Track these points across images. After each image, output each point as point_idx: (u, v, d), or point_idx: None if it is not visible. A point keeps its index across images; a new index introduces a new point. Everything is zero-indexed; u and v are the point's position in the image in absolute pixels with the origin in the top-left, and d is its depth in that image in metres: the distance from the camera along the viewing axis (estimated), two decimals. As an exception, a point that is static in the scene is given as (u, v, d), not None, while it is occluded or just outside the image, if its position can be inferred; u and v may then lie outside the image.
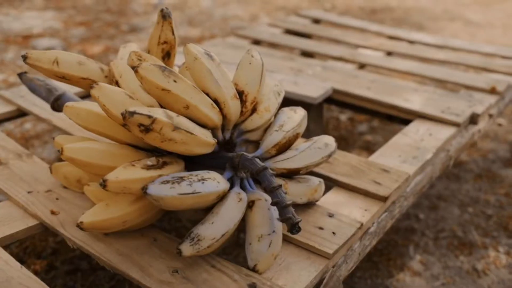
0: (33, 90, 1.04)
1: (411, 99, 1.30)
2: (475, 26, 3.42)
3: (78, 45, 2.52)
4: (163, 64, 0.75)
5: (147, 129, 0.69)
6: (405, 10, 3.71)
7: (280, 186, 0.73)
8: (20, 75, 1.05)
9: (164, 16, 0.86)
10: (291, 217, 0.72)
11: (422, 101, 1.28)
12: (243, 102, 0.82)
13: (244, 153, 0.77)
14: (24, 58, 0.82)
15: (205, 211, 0.81)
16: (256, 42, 1.82)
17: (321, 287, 0.73)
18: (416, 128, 1.17)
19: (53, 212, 0.86)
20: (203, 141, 0.74)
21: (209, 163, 0.81)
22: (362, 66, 1.61)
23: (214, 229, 0.71)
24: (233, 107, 0.79)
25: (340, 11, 3.49)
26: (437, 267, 1.28)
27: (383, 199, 0.90)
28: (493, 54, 1.69)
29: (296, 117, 0.88)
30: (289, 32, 1.95)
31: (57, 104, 1.01)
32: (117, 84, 0.83)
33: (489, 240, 1.38)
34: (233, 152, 0.84)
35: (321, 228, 0.82)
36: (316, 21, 2.10)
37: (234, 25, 3.02)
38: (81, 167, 0.73)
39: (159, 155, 0.76)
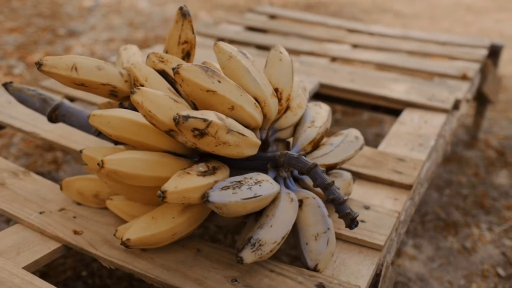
0: (24, 101, 0.95)
1: (395, 89, 1.33)
2: (405, 17, 3.59)
3: (15, 53, 2.34)
4: (204, 65, 0.71)
5: (202, 133, 0.65)
6: (338, 4, 3.82)
7: (333, 182, 0.72)
8: (6, 85, 0.95)
9: (184, 14, 0.82)
10: (349, 212, 0.71)
11: (407, 90, 1.32)
12: (278, 99, 0.79)
13: (289, 152, 0.75)
14: (39, 65, 0.74)
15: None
16: (221, 39, 1.78)
17: (381, 279, 0.73)
18: (410, 117, 1.20)
19: (76, 232, 0.79)
20: (253, 142, 0.71)
21: (246, 165, 0.78)
22: (333, 59, 1.63)
23: (274, 233, 0.69)
24: (273, 106, 0.77)
25: (277, 7, 3.52)
26: (430, 250, 1.33)
27: (408, 187, 0.92)
28: (451, 43, 1.78)
29: (323, 112, 0.87)
30: (250, 29, 1.93)
31: (55, 114, 0.92)
32: (134, 88, 0.77)
33: (470, 219, 1.45)
34: (266, 152, 0.82)
35: (362, 221, 0.82)
36: (272, 17, 2.10)
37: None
38: (123, 179, 0.68)
39: (205, 160, 0.72)
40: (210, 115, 0.66)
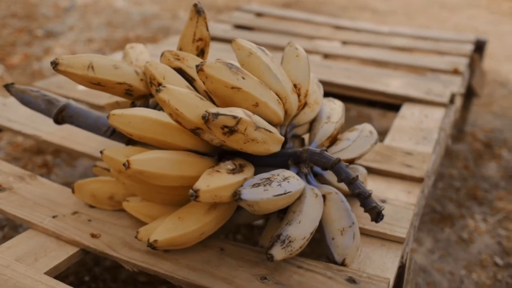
0: (27, 103, 0.92)
1: (392, 84, 1.35)
2: (381, 14, 3.64)
3: (-8, 55, 2.27)
4: (228, 61, 0.70)
5: (231, 131, 0.64)
6: (315, 2, 3.84)
7: (357, 176, 0.72)
8: (7, 86, 0.92)
9: (199, 11, 0.80)
10: (375, 206, 0.71)
11: (403, 86, 1.34)
12: (297, 95, 0.79)
13: (310, 147, 0.75)
14: (55, 64, 0.72)
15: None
16: (211, 39, 1.77)
17: (407, 270, 0.74)
18: (410, 111, 1.22)
19: (93, 235, 0.77)
20: (279, 138, 0.71)
21: (267, 161, 0.77)
22: (326, 56, 1.63)
23: (303, 229, 0.69)
24: (294, 102, 0.76)
25: (255, 5, 3.52)
26: (429, 242, 1.35)
27: (420, 180, 0.93)
28: (438, 39, 1.82)
29: (338, 108, 0.88)
30: (238, 27, 1.92)
31: (62, 116, 0.90)
32: (159, 86, 0.76)
33: (465, 211, 1.48)
34: (284, 148, 0.82)
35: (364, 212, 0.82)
36: (259, 14, 2.10)
37: (156, 24, 2.92)
38: (149, 180, 0.66)
39: (228, 158, 0.72)
40: (239, 112, 0.65)
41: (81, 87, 1.27)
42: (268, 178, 0.67)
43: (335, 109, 0.87)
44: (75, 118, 0.90)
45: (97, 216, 0.82)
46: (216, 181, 0.64)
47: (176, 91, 0.65)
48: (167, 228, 0.68)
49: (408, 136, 1.09)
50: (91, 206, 0.84)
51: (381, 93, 1.30)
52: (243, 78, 0.69)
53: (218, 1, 3.63)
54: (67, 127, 1.07)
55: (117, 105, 0.94)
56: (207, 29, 0.82)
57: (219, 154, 0.76)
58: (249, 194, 0.64)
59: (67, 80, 1.32)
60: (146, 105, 0.85)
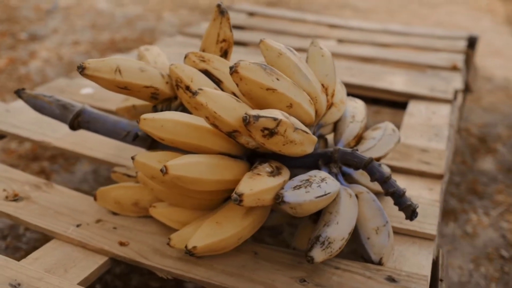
0: (40, 108, 0.89)
1: (395, 81, 1.36)
2: (362, 12, 3.67)
3: (-25, 59, 2.21)
4: (262, 62, 0.69)
5: (271, 133, 0.63)
6: (298, 1, 3.85)
7: (391, 175, 0.72)
8: (18, 92, 0.89)
9: (222, 12, 0.79)
10: (411, 204, 0.72)
11: (406, 83, 1.35)
12: (325, 95, 0.79)
13: (341, 147, 0.75)
14: (82, 68, 0.70)
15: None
16: (207, 39, 1.75)
17: (440, 267, 0.74)
18: (417, 109, 1.23)
19: (122, 243, 0.76)
20: (314, 139, 0.70)
21: (298, 162, 0.77)
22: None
23: (341, 229, 0.68)
24: (323, 102, 0.76)
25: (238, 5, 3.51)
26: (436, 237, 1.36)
27: (440, 176, 0.93)
28: (431, 36, 1.84)
29: (360, 107, 0.87)
30: (233, 27, 1.91)
31: (78, 121, 0.88)
32: (187, 89, 0.74)
33: (467, 205, 1.50)
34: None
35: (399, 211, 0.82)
36: (251, 14, 2.09)
37: (141, 26, 2.88)
38: (186, 185, 0.65)
39: (264, 160, 0.71)
40: (278, 114, 0.64)
41: (84, 91, 1.24)
42: (307, 180, 0.66)
43: (357, 107, 0.87)
44: (92, 124, 0.87)
45: (122, 224, 0.80)
46: (259, 184, 0.63)
47: (214, 94, 0.64)
48: (206, 234, 0.67)
49: (419, 133, 1.10)
50: (115, 213, 0.82)
51: (387, 91, 1.30)
52: (277, 79, 0.68)
53: (201, 2, 3.60)
54: (76, 132, 1.05)
55: (133, 109, 0.92)
56: (231, 30, 0.81)
57: (247, 157, 0.75)
58: (292, 196, 0.63)
59: (68, 84, 1.29)
60: (169, 109, 0.83)
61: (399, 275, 0.69)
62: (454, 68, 1.49)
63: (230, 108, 0.65)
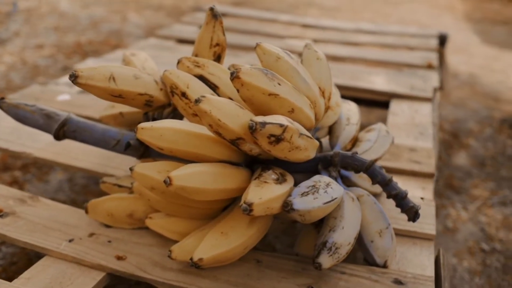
0: (22, 118, 0.85)
1: (375, 81, 1.37)
2: (328, 10, 3.71)
3: None
4: (262, 67, 0.67)
5: (278, 139, 0.62)
6: (264, 0, 3.84)
7: (392, 177, 0.72)
8: (-3, 102, 0.85)
9: (215, 15, 0.77)
10: (413, 206, 0.72)
11: (387, 82, 1.36)
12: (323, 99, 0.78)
13: (341, 151, 0.74)
14: (74, 77, 0.66)
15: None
16: (181, 41, 1.72)
17: (442, 266, 0.75)
18: (400, 108, 1.24)
19: (119, 257, 0.73)
20: (316, 144, 0.69)
21: (298, 168, 0.76)
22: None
23: (347, 234, 0.68)
24: (322, 105, 0.75)
25: (197, 6, 3.47)
26: (417, 233, 1.38)
27: (431, 175, 0.94)
28: (404, 34, 1.86)
29: (354, 109, 0.87)
30: (206, 28, 1.88)
31: (63, 131, 0.84)
32: (184, 95, 0.72)
33: (445, 201, 1.53)
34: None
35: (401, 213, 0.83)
36: (222, 15, 2.07)
37: (106, 28, 2.81)
38: (190, 195, 0.63)
39: (267, 167, 0.69)
40: (283, 120, 0.63)
41: (61, 98, 1.20)
42: (313, 186, 0.65)
43: (351, 110, 0.86)
44: (79, 133, 0.84)
45: (116, 236, 0.77)
46: (267, 193, 0.61)
47: (217, 101, 0.62)
48: (211, 245, 0.65)
49: (405, 132, 1.11)
50: (108, 226, 0.79)
51: (369, 91, 1.31)
52: (279, 84, 0.67)
53: (165, 3, 3.55)
54: (58, 142, 1.00)
55: (120, 117, 0.89)
56: (224, 34, 0.79)
57: (246, 164, 0.73)
58: (300, 204, 0.62)
59: (43, 91, 1.24)
60: (160, 116, 0.81)
61: (405, 277, 0.69)
62: (429, 67, 1.52)
63: (234, 115, 0.63)
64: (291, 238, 1.08)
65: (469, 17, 3.86)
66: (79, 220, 0.80)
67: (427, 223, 0.80)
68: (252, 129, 0.60)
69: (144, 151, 0.81)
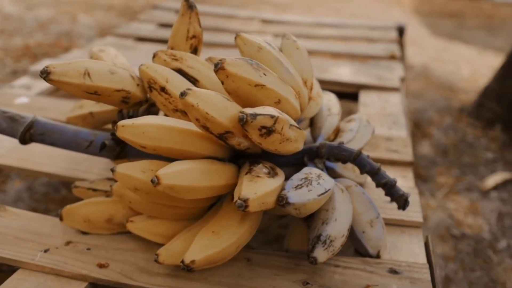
0: (-17, 123, 0.79)
1: (341, 73, 1.36)
2: (282, 7, 3.71)
3: None
4: (248, 58, 0.64)
5: (269, 131, 0.60)
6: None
7: (380, 166, 0.71)
8: (-46, 106, 0.78)
9: (191, 6, 0.74)
10: (403, 194, 0.71)
11: (354, 74, 1.36)
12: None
13: (328, 142, 0.73)
14: (46, 73, 0.61)
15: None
16: (140, 39, 1.67)
17: (432, 253, 0.74)
18: (369, 99, 1.24)
19: (101, 265, 0.68)
20: (305, 135, 0.67)
21: (283, 160, 0.73)
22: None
23: (340, 226, 0.66)
24: (306, 96, 0.73)
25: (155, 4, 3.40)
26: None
27: (410, 164, 0.94)
28: (364, 27, 1.88)
29: (334, 99, 0.86)
30: (164, 25, 1.84)
31: (30, 134, 0.78)
32: (163, 90, 0.68)
33: (413, 189, 1.55)
34: (291, 145, 0.78)
35: (389, 202, 0.82)
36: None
37: (55, 29, 2.70)
38: (179, 194, 0.59)
39: (254, 161, 0.67)
40: (272, 111, 0.61)
41: (19, 101, 1.13)
42: (306, 178, 0.63)
43: (331, 100, 0.85)
44: (48, 136, 0.78)
45: (95, 243, 0.72)
46: (261, 187, 0.59)
47: (203, 94, 0.59)
48: (203, 245, 0.62)
49: (379, 122, 1.11)
50: (84, 233, 0.74)
51: (337, 83, 1.31)
52: (265, 74, 0.64)
53: (115, 2, 3.45)
54: (21, 147, 0.94)
55: (90, 117, 0.84)
56: (200, 26, 0.76)
57: (231, 159, 0.71)
58: (295, 197, 0.60)
59: (-2, 95, 1.16)
60: (136, 113, 0.77)
61: (400, 266, 0.68)
62: (392, 57, 1.53)
63: (222, 107, 0.60)
64: (265, 235, 1.06)
65: (417, 10, 3.96)
66: (53, 229, 0.75)
67: (413, 211, 0.80)
68: (243, 121, 0.58)
69: (120, 152, 0.76)
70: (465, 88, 2.32)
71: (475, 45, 3.08)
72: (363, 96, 1.25)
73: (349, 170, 0.80)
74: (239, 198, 0.57)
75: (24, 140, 0.79)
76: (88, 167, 0.89)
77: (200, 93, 0.59)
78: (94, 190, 0.78)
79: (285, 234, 0.93)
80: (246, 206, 0.57)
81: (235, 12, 2.03)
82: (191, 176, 0.60)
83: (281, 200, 0.60)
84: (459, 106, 2.04)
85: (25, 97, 1.15)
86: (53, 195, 1.37)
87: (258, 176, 0.61)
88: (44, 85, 1.25)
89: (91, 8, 3.22)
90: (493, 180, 1.56)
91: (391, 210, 0.80)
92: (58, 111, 1.08)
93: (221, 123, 0.60)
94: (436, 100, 2.12)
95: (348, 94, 1.34)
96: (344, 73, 1.36)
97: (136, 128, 0.61)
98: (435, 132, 1.85)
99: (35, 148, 0.93)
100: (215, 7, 2.23)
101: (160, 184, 0.57)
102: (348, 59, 1.51)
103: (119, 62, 0.80)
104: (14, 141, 0.96)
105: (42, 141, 0.79)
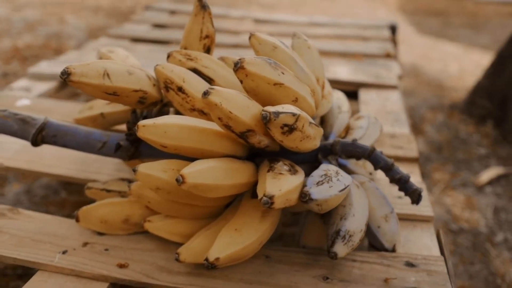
0: (-6, 125, 0.78)
1: (340, 71, 1.38)
2: (270, 7, 3.73)
3: None
4: (267, 57, 0.65)
5: (291, 129, 0.60)
6: (203, -1, 3.80)
7: (394, 162, 0.73)
8: (-37, 109, 0.78)
9: (204, 6, 0.74)
10: (417, 189, 0.73)
11: (352, 72, 1.38)
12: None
13: (341, 139, 0.74)
14: (67, 74, 0.61)
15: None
16: (135, 40, 1.66)
17: (444, 246, 0.76)
18: (369, 97, 1.26)
19: (121, 265, 0.68)
20: (322, 132, 0.68)
21: (298, 158, 0.74)
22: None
23: (358, 221, 0.67)
24: (320, 94, 0.74)
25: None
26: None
27: (415, 160, 0.96)
28: (357, 26, 1.90)
29: (342, 97, 0.87)
30: (158, 26, 1.83)
31: (42, 136, 0.78)
32: (180, 90, 0.69)
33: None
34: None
35: (400, 197, 0.84)
36: (172, 12, 2.02)
37: (44, 31, 2.67)
38: (203, 192, 0.60)
39: (273, 159, 0.67)
40: (293, 109, 0.61)
41: (21, 103, 1.12)
42: (326, 174, 0.64)
43: (340, 98, 0.86)
44: (60, 137, 0.78)
45: (113, 244, 0.72)
46: (285, 184, 0.60)
47: (226, 93, 0.60)
48: (226, 243, 0.62)
49: (381, 120, 1.13)
50: (100, 234, 0.74)
51: (337, 81, 1.32)
52: (283, 73, 0.65)
53: (102, 3, 3.43)
54: (29, 149, 0.93)
55: (101, 117, 0.84)
56: (213, 25, 0.76)
57: (248, 158, 0.71)
58: (318, 193, 0.61)
59: (-1, 97, 1.15)
60: (150, 114, 0.77)
61: (416, 259, 0.70)
62: (387, 56, 1.55)
63: (244, 106, 0.61)
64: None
65: (402, 9, 4.01)
66: (69, 230, 0.75)
67: (423, 206, 0.82)
68: (266, 119, 0.59)
69: (134, 152, 0.77)
70: (454, 85, 2.35)
71: (461, 42, 3.13)
72: (363, 95, 1.27)
73: (360, 166, 0.82)
74: (264, 195, 0.57)
75: (36, 142, 0.78)
76: (98, 168, 0.89)
77: (223, 92, 0.60)
78: (108, 191, 0.78)
79: (288, 232, 0.94)
80: (272, 203, 0.57)
81: (227, 12, 2.03)
82: (215, 174, 0.60)
83: (304, 196, 0.61)
84: (450, 103, 2.07)
85: (26, 99, 1.14)
86: (52, 197, 1.36)
87: (280, 174, 0.62)
88: (43, 87, 1.24)
89: (78, 9, 3.20)
90: (487, 175, 1.59)
91: (401, 205, 0.81)
92: (61, 113, 1.08)
93: (243, 121, 0.60)
94: (428, 98, 2.16)
95: (346, 93, 1.35)
96: (342, 71, 1.38)
97: (158, 128, 0.62)
98: (428, 129, 1.87)
99: (43, 150, 0.93)
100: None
101: (185, 183, 0.58)
102: (343, 58, 1.53)
103: (130, 63, 0.80)
104: (21, 144, 0.96)
105: (55, 143, 0.79)
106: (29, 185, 1.41)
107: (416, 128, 1.89)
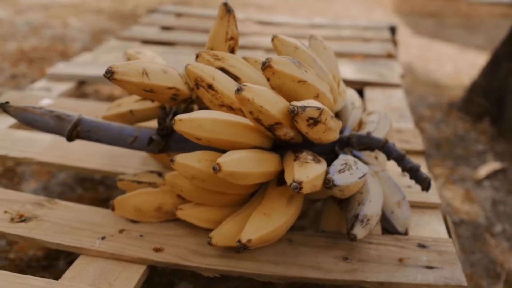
0: (32, 121, 0.84)
1: (345, 71, 1.44)
2: (266, 9, 3.79)
3: None
4: (291, 57, 0.71)
5: (315, 122, 0.67)
6: (202, 1, 3.86)
7: (405, 153, 0.79)
8: (3, 106, 0.83)
9: (229, 10, 0.81)
10: (427, 177, 0.79)
11: (356, 71, 1.44)
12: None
13: (357, 132, 0.80)
14: (111, 73, 0.67)
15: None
16: (145, 42, 1.72)
17: (452, 231, 0.82)
18: (374, 95, 1.32)
19: (157, 249, 0.74)
20: (341, 125, 0.75)
21: (316, 149, 0.80)
22: (267, 51, 1.68)
23: (375, 206, 0.73)
24: (337, 91, 0.81)
25: (147, 8, 3.44)
26: (392, 212, 1.48)
27: (422, 153, 1.03)
28: (357, 27, 1.96)
29: (354, 94, 0.93)
30: (166, 28, 1.89)
31: (77, 131, 0.84)
32: (210, 87, 0.75)
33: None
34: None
35: (409, 187, 0.90)
36: (178, 15, 2.08)
37: (48, 33, 2.72)
38: (237, 180, 0.66)
39: (297, 150, 0.74)
40: (317, 104, 0.68)
41: (44, 102, 1.17)
42: (346, 163, 0.71)
43: (353, 95, 0.93)
44: (94, 133, 0.84)
45: (147, 231, 0.78)
46: (311, 171, 0.66)
47: (257, 89, 0.66)
48: (257, 226, 0.68)
49: (386, 116, 1.19)
50: (134, 222, 0.80)
51: (343, 80, 1.38)
52: (306, 71, 0.71)
53: (103, 6, 3.47)
54: (58, 145, 0.99)
55: (130, 114, 0.90)
56: (236, 28, 0.82)
57: (271, 149, 0.77)
58: (340, 180, 0.67)
59: (22, 96, 1.21)
60: (179, 110, 0.83)
61: (427, 241, 0.76)
62: (389, 56, 1.62)
63: (273, 101, 0.67)
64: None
65: (398, 10, 4.09)
66: (104, 219, 0.80)
67: (431, 194, 0.88)
68: (294, 113, 0.65)
69: (164, 146, 0.82)
70: (450, 84, 2.43)
71: (456, 43, 3.21)
72: (368, 93, 1.33)
73: (373, 158, 0.88)
74: (293, 181, 0.64)
75: (71, 137, 0.84)
76: (125, 163, 0.95)
77: (255, 89, 0.66)
78: (139, 182, 0.84)
79: (297, 225, 1.00)
80: (301, 188, 0.64)
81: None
82: (248, 163, 0.66)
83: (328, 182, 0.67)
84: (448, 101, 2.15)
85: (49, 99, 1.19)
86: (69, 194, 1.41)
87: (306, 162, 0.68)
88: (63, 87, 1.30)
89: (80, 12, 3.24)
90: (484, 170, 1.66)
91: (411, 193, 0.88)
92: (83, 111, 1.13)
93: (273, 115, 0.67)
94: (425, 97, 2.23)
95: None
96: (347, 71, 1.44)
97: (194, 122, 0.68)
98: (427, 127, 1.94)
99: (70, 145, 0.98)
100: (211, 9, 2.29)
101: (221, 171, 0.64)
102: (346, 58, 1.59)
103: (159, 63, 0.86)
104: (47, 140, 1.01)
105: (88, 138, 0.84)
106: (45, 183, 1.46)
107: (416, 126, 1.96)
